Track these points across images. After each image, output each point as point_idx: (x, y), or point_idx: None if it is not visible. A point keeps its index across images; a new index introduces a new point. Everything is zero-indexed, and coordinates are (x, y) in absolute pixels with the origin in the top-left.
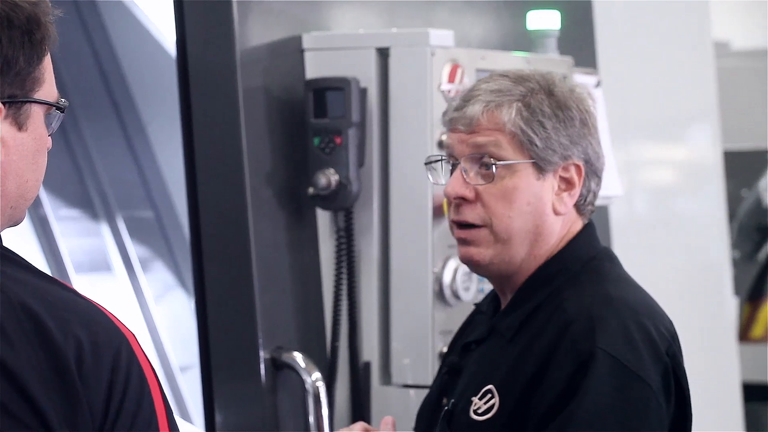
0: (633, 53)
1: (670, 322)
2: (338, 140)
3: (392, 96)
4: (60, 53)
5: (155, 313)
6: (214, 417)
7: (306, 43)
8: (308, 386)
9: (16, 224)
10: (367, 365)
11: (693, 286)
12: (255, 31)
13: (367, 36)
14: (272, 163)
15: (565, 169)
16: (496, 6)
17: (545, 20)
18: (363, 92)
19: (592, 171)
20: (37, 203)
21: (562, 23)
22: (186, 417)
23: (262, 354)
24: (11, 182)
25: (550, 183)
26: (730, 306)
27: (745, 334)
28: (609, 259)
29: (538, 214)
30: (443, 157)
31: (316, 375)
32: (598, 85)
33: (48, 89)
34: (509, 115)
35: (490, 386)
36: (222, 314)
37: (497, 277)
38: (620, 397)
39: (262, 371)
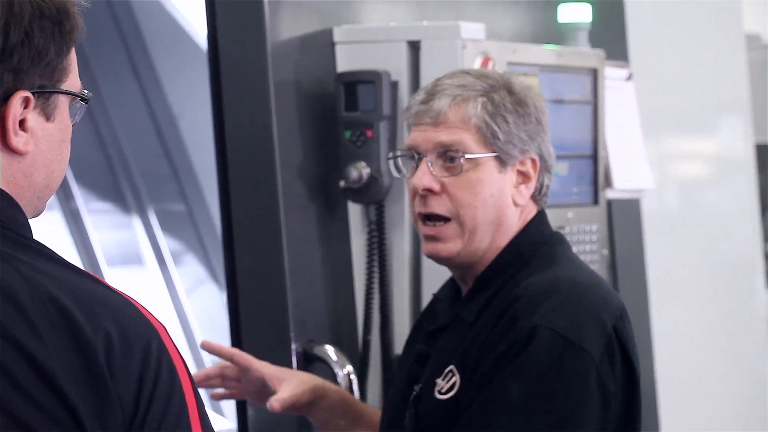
0: (664, 46)
1: (620, 301)
2: (369, 133)
3: None
4: (92, 48)
5: (187, 306)
6: (246, 411)
7: (337, 36)
8: (340, 380)
9: (37, 215)
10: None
11: (724, 280)
12: (286, 25)
13: (398, 29)
14: (303, 156)
15: (522, 163)
16: None
17: (576, 13)
18: (394, 85)
19: (545, 167)
20: (69, 196)
21: (593, 16)
22: (218, 411)
23: (293, 347)
24: (39, 173)
25: (510, 176)
26: (761, 300)
27: None
28: (560, 242)
29: (500, 206)
30: (404, 153)
31: (348, 368)
32: (629, 78)
33: (73, 80)
34: (475, 109)
35: (451, 366)
36: (254, 307)
37: (461, 267)
38: (557, 365)
39: (294, 365)
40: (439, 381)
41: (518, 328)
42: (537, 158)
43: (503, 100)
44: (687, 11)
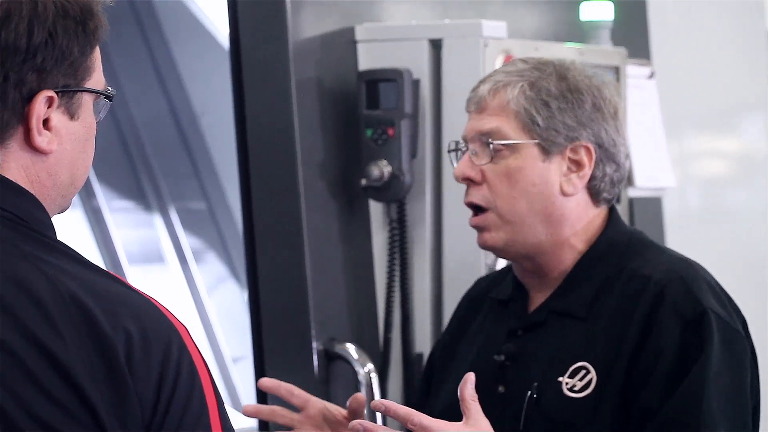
0: (686, 44)
1: None
2: (391, 132)
3: (445, 87)
4: (114, 46)
5: (208, 304)
6: None
7: (359, 34)
8: (361, 378)
9: (62, 212)
10: (420, 356)
11: (746, 279)
12: (308, 23)
13: (419, 27)
14: (325, 154)
15: (574, 150)
16: None
17: (598, 11)
18: (416, 83)
19: (607, 156)
20: (90, 195)
21: (615, 14)
22: (239, 408)
23: (314, 345)
24: (63, 171)
25: (558, 165)
26: None
27: None
28: (643, 234)
29: (545, 196)
30: (458, 145)
31: (369, 366)
32: (651, 76)
33: (97, 78)
34: (512, 93)
35: (581, 363)
36: (275, 305)
37: (524, 259)
38: (729, 354)
39: (315, 362)
40: (564, 379)
41: (684, 314)
42: (591, 146)
43: (548, 86)
44: (709, 9)
